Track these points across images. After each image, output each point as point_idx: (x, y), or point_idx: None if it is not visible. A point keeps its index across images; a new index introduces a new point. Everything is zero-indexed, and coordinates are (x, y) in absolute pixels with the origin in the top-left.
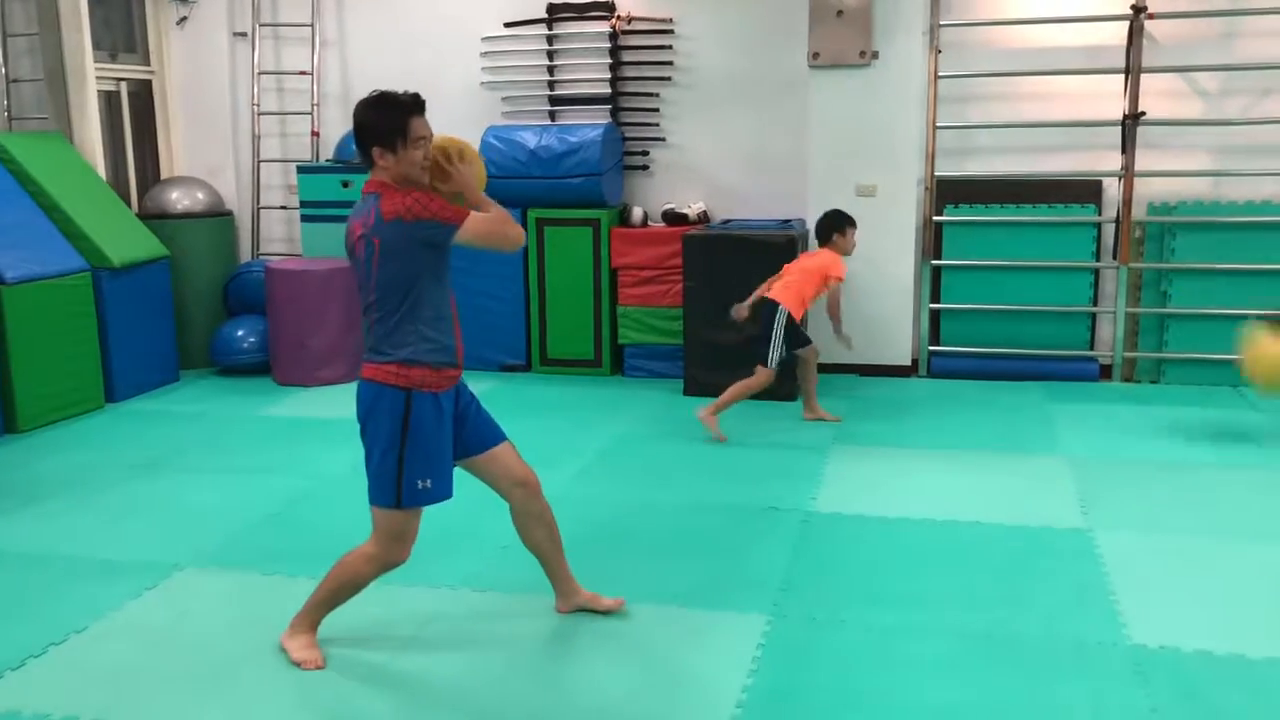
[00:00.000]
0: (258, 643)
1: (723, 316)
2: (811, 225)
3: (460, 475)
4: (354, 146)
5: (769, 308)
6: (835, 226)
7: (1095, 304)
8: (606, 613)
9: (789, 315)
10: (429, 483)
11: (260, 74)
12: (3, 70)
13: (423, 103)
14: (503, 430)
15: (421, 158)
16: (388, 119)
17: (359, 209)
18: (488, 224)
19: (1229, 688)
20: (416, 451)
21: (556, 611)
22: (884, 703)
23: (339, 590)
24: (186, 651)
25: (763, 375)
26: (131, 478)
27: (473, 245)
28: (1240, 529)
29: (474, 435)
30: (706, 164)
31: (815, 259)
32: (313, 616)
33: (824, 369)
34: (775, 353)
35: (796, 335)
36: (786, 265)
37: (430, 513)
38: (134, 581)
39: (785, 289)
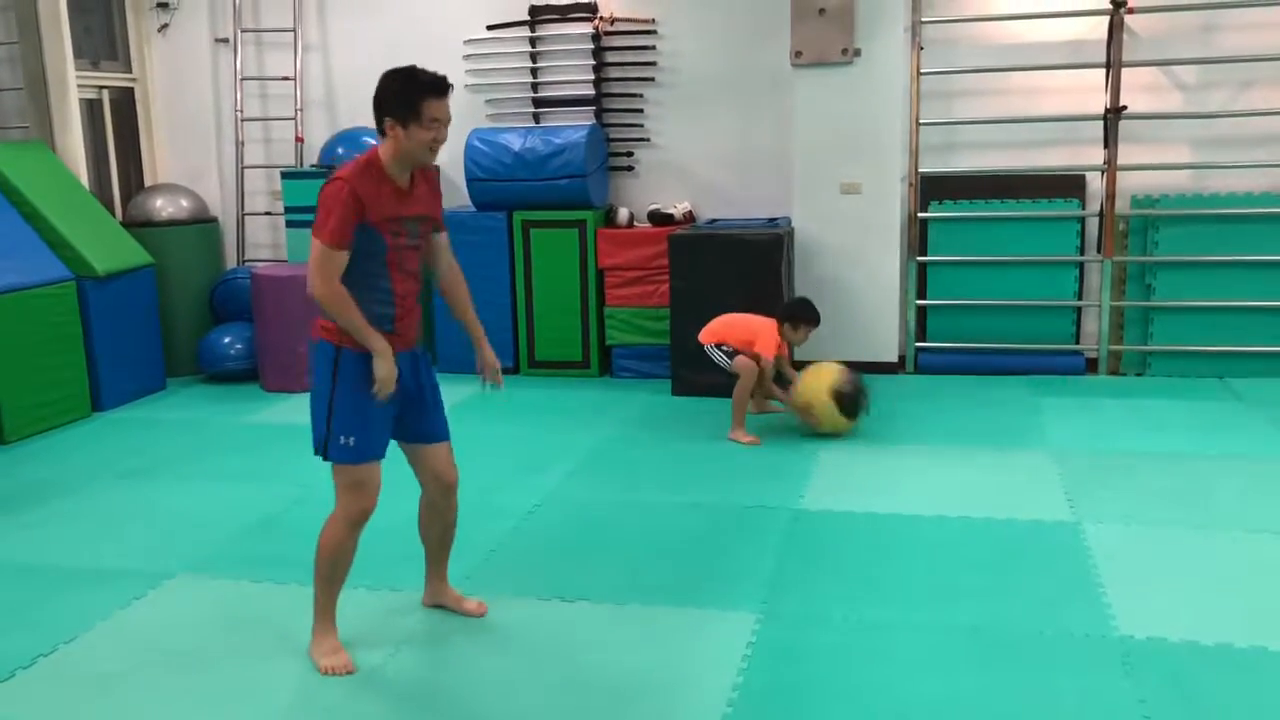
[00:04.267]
0: (248, 650)
1: (709, 316)
2: (796, 223)
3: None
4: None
5: (703, 349)
6: (791, 315)
7: (1080, 298)
8: (468, 615)
9: (712, 347)
10: (351, 440)
11: (243, 80)
12: None
13: (445, 85)
14: (447, 429)
15: (430, 139)
16: (405, 93)
17: None
18: (313, 260)
19: (1216, 677)
20: (343, 407)
21: (424, 605)
22: (874, 698)
23: (328, 566)
24: (176, 660)
25: (741, 368)
26: (120, 486)
27: None
28: (1227, 519)
29: (426, 425)
30: (691, 164)
31: (757, 322)
32: (324, 611)
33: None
34: (726, 361)
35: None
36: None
37: (413, 519)
38: (123, 590)
39: (708, 331)
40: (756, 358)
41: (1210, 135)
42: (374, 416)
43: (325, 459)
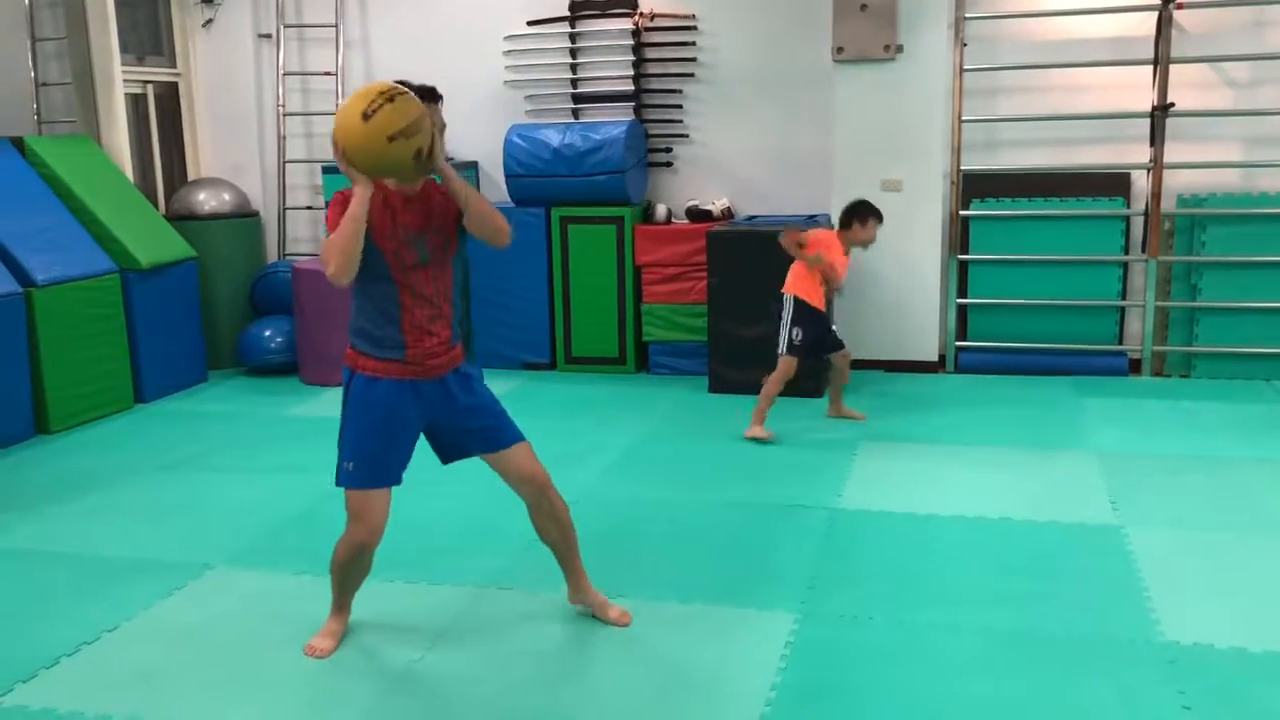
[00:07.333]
0: (288, 642)
1: (747, 313)
2: (836, 221)
3: (477, 469)
4: None
5: (782, 298)
6: (853, 215)
7: (1124, 298)
8: (609, 623)
9: (796, 300)
10: (350, 465)
11: (285, 75)
12: (32, 74)
13: (429, 94)
14: (518, 431)
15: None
16: None
17: None
18: (328, 243)
19: (1264, 685)
20: (348, 433)
21: (569, 602)
22: (914, 700)
23: (339, 576)
24: (217, 651)
25: (783, 364)
26: (161, 478)
27: None
28: (1274, 524)
29: (489, 436)
30: (730, 160)
31: (824, 236)
32: (337, 605)
33: (850, 365)
34: (784, 337)
35: (822, 333)
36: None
37: (455, 509)
38: (164, 581)
39: (795, 277)
40: (834, 273)
41: (1260, 133)
42: (374, 448)
43: (336, 484)
